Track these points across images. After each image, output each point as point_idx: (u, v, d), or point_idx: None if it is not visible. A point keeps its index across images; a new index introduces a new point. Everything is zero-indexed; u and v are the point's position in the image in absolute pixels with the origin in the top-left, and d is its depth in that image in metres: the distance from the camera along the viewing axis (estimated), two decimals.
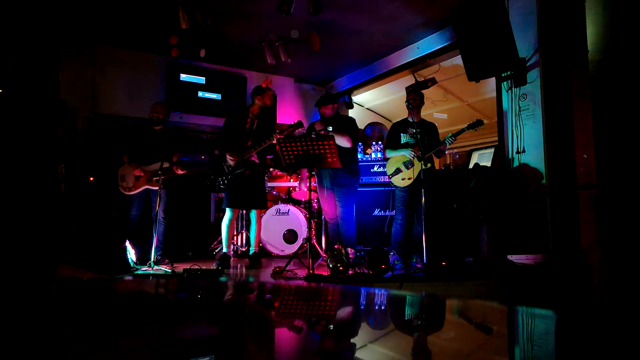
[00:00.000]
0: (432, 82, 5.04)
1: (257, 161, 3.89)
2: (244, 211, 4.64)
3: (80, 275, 3.47)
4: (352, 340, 0.70)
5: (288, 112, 6.72)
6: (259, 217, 4.04)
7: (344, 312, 0.94)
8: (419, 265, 3.69)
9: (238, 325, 0.80)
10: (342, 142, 3.88)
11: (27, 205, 3.21)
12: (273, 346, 0.66)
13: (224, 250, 3.93)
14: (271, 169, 5.27)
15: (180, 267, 3.71)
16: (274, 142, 3.65)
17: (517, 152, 3.89)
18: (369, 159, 4.97)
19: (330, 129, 3.99)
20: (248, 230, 4.54)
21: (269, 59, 5.25)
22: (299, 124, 3.80)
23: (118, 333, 0.68)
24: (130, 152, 4.12)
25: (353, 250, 3.99)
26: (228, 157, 3.81)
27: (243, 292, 1.17)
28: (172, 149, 4.14)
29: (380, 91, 6.78)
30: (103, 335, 0.67)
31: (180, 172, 3.97)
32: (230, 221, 3.91)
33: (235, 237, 4.93)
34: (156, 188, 3.84)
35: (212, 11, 4.12)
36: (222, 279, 3.38)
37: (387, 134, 4.39)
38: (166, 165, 3.87)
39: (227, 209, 3.90)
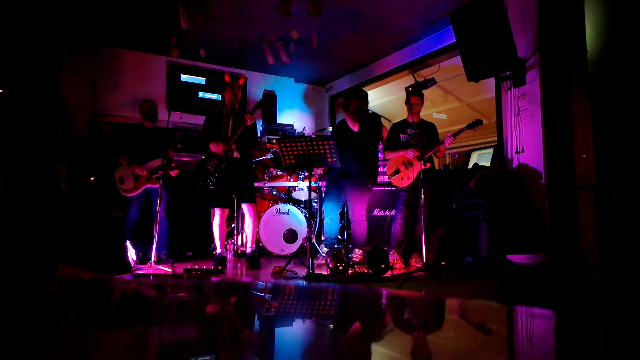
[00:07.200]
0: (432, 82, 5.05)
1: (239, 156, 3.85)
2: (242, 211, 4.64)
3: (80, 275, 3.48)
4: (351, 340, 0.71)
5: (288, 112, 6.72)
6: (255, 214, 4.00)
7: (343, 311, 0.95)
8: (418, 265, 3.70)
9: (237, 325, 0.80)
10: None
11: (28, 205, 3.22)
12: (272, 346, 0.66)
13: (218, 250, 3.91)
14: (271, 169, 5.27)
15: (180, 267, 3.71)
16: (248, 123, 3.70)
17: (517, 152, 3.90)
18: None
19: None
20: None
21: (270, 59, 5.26)
22: (265, 102, 3.80)
23: (117, 333, 0.69)
24: (127, 153, 4.10)
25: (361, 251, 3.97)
26: (213, 146, 3.75)
27: (242, 291, 1.17)
28: (167, 145, 4.13)
29: (380, 91, 6.79)
30: (102, 335, 0.68)
31: (173, 173, 3.98)
32: (220, 220, 3.86)
33: (235, 237, 4.93)
34: (156, 186, 3.83)
35: (210, 13, 4.13)
36: (222, 279, 3.39)
37: (386, 135, 4.39)
38: (164, 161, 3.88)
39: (215, 209, 3.86)
